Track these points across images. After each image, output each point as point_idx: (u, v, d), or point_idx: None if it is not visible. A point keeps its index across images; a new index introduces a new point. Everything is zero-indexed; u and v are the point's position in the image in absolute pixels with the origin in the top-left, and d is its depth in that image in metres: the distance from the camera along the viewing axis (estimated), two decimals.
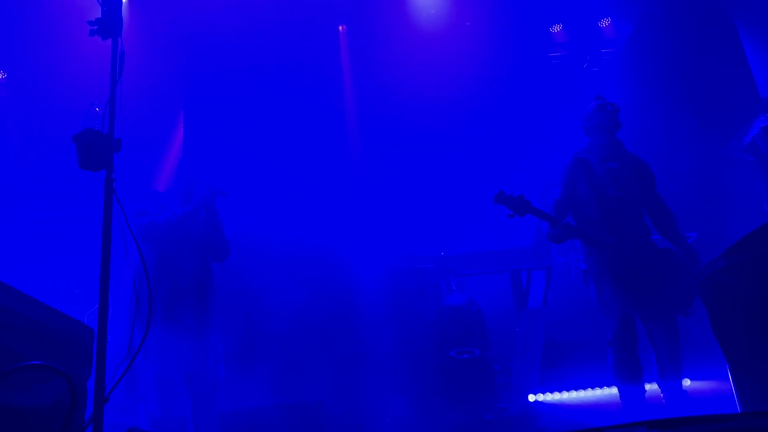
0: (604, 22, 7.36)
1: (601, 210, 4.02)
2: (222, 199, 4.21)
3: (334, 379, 5.53)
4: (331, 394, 5.31)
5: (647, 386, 3.99)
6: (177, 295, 3.93)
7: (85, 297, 5.82)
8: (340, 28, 7.44)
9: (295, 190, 6.76)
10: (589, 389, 5.12)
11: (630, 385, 3.85)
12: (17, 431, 1.86)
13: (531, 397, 5.07)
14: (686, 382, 5.06)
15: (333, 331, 5.91)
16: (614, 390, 5.08)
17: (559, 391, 5.12)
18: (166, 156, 6.76)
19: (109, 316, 2.43)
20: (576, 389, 5.13)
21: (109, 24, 2.71)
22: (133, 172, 4.65)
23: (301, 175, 6.84)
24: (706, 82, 6.55)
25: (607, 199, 4.00)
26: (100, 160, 2.57)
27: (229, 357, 4.39)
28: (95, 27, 2.72)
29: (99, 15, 2.72)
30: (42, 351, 2.10)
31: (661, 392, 3.98)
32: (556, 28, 7.39)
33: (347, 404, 5.30)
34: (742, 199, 5.76)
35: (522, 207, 3.87)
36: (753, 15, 7.03)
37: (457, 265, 5.63)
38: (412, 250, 6.37)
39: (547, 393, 5.10)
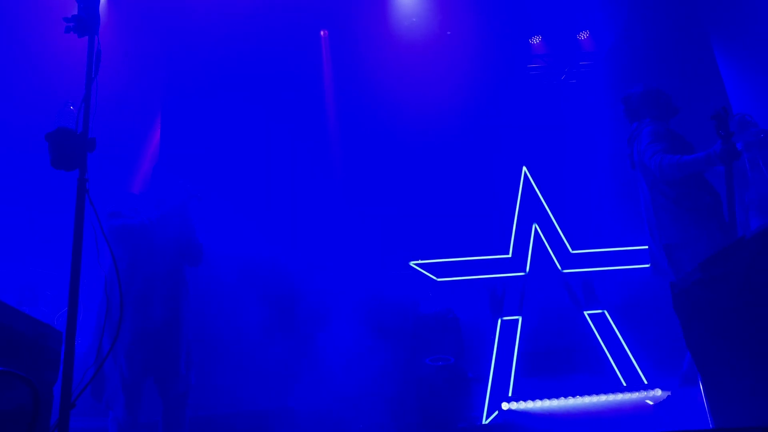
0: (583, 35, 7.45)
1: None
2: (197, 203, 4.16)
3: (307, 387, 5.49)
4: (303, 401, 5.27)
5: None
6: (149, 299, 3.86)
7: (55, 299, 5.71)
8: (322, 33, 7.44)
9: (273, 195, 6.72)
10: (562, 398, 5.15)
11: None
12: None
13: (505, 406, 5.08)
14: (657, 393, 5.13)
15: (307, 338, 5.88)
16: (587, 399, 5.14)
17: (533, 399, 5.13)
18: (142, 158, 6.67)
19: (79, 320, 2.38)
20: (550, 398, 5.15)
21: (85, 21, 2.67)
22: (108, 173, 4.57)
23: (279, 180, 6.80)
24: (681, 96, 6.65)
25: None
26: (73, 159, 2.53)
27: (201, 363, 4.33)
28: (71, 24, 2.67)
29: (75, 12, 2.67)
30: (7, 355, 2.04)
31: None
32: (536, 40, 7.46)
33: (320, 411, 5.26)
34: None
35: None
36: (727, 32, 7.18)
37: (434, 273, 5.64)
38: (388, 258, 6.36)
39: (521, 401, 5.11)
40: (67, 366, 2.26)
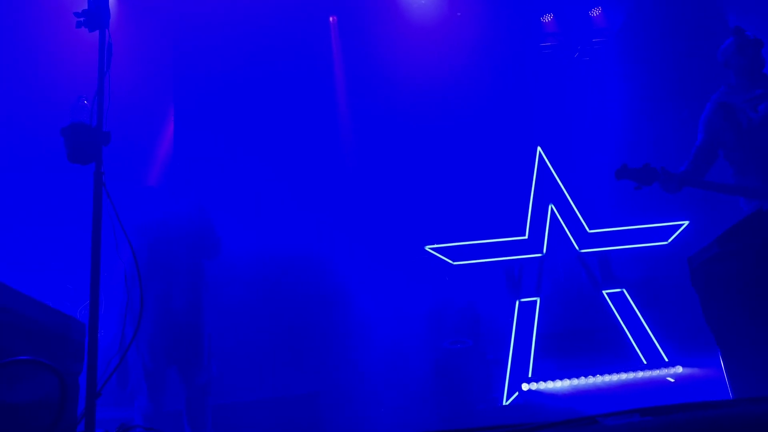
0: (595, 12, 7.35)
1: (747, 155, 3.79)
2: (214, 194, 4.21)
3: (328, 372, 5.54)
4: (324, 386, 5.31)
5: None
6: (169, 291, 3.92)
7: (76, 292, 5.79)
8: (331, 19, 7.40)
9: (287, 182, 6.74)
10: (583, 378, 5.15)
11: None
12: (7, 427, 1.85)
13: (524, 387, 5.10)
14: (678, 370, 5.11)
15: (326, 324, 5.92)
16: (607, 378, 5.14)
17: (552, 380, 5.14)
18: (157, 150, 6.72)
19: (101, 311, 2.42)
20: (570, 378, 5.15)
21: (96, 15, 2.68)
22: (124, 166, 4.61)
23: (292, 168, 6.81)
24: (697, 70, 6.56)
25: (756, 144, 3.76)
26: (88, 153, 2.55)
27: (223, 351, 4.38)
28: (82, 18, 2.68)
29: (86, 6, 2.69)
30: (32, 346, 2.08)
31: None
32: (547, 18, 7.37)
33: (341, 396, 5.31)
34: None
35: (649, 176, 3.78)
36: (743, 3, 7.04)
37: (450, 257, 5.64)
38: (405, 242, 6.37)
39: (540, 382, 5.13)
40: (92, 356, 2.30)
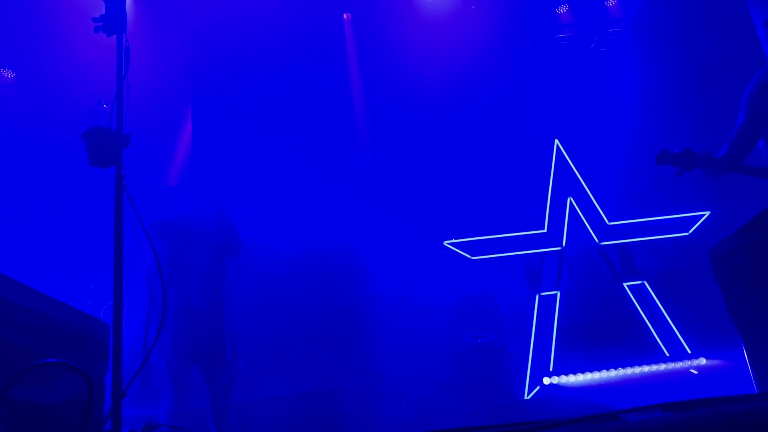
0: (611, 2, 7.27)
1: None
2: (233, 193, 4.24)
3: (349, 368, 5.56)
4: (345, 382, 5.34)
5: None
6: (191, 291, 3.96)
7: (99, 293, 5.87)
8: (345, 16, 7.41)
9: (305, 180, 6.76)
10: (604, 371, 5.12)
11: None
12: (38, 427, 1.89)
13: (546, 380, 5.08)
14: (701, 362, 5.06)
15: (347, 320, 5.94)
16: (629, 371, 5.10)
17: (574, 373, 5.12)
18: (176, 151, 6.78)
19: (124, 312, 2.45)
20: (592, 371, 5.13)
21: (113, 20, 2.72)
22: (144, 168, 4.67)
23: (308, 165, 6.84)
24: (715, 59, 6.48)
25: None
26: (109, 156, 2.58)
27: (246, 349, 4.42)
28: (100, 24, 2.72)
29: (103, 12, 2.73)
30: (59, 348, 2.12)
31: None
32: (562, 9, 7.31)
33: (362, 392, 5.33)
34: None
35: (690, 161, 3.62)
36: None
37: (469, 251, 5.64)
38: (423, 237, 6.37)
39: (562, 376, 5.11)
40: (117, 357, 2.34)
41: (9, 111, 6.88)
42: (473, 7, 7.24)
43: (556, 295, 5.48)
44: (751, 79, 3.89)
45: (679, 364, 5.11)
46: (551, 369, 5.19)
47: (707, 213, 5.59)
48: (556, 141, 5.94)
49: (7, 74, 6.81)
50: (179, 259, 3.98)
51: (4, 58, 6.75)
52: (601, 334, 5.53)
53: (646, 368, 5.12)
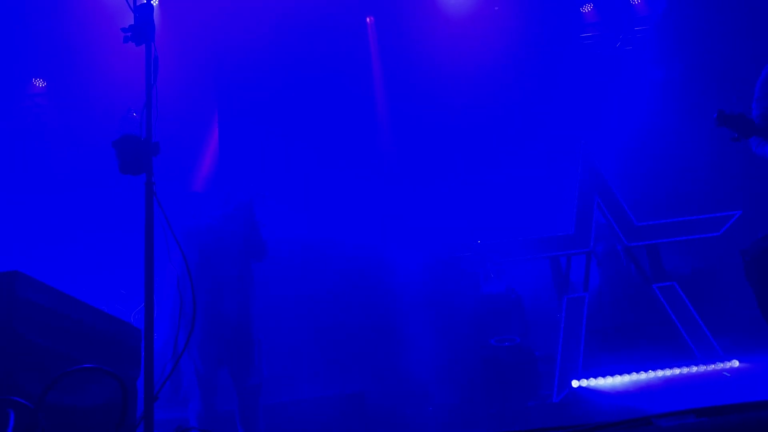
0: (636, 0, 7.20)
1: None
2: (261, 200, 4.28)
3: (376, 371, 5.57)
4: (372, 385, 5.35)
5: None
6: (219, 296, 4.01)
7: (130, 298, 5.96)
8: (368, 19, 7.43)
9: (329, 183, 6.80)
10: (634, 374, 5.06)
11: None
12: (76, 430, 1.93)
13: (575, 383, 5.03)
14: (734, 364, 4.98)
15: (373, 323, 5.95)
16: (660, 374, 5.03)
17: (603, 376, 5.07)
18: (203, 156, 6.87)
19: (155, 316, 2.49)
20: (621, 374, 5.07)
21: (142, 30, 2.76)
22: (172, 174, 4.73)
23: (334, 168, 6.87)
24: (744, 54, 6.36)
25: None
26: (139, 164, 2.63)
27: (273, 352, 4.46)
28: (129, 33, 2.77)
29: (132, 22, 2.77)
30: (93, 352, 2.17)
31: None
32: (587, 8, 7.25)
33: (389, 395, 5.34)
34: None
35: (747, 127, 3.39)
36: None
37: (496, 253, 5.61)
38: (449, 239, 6.36)
39: (591, 378, 5.06)
40: (148, 361, 2.38)
41: (41, 120, 7.03)
42: (496, 8, 7.22)
43: (584, 297, 5.42)
44: (766, 65, 3.75)
45: (711, 367, 5.02)
46: (580, 371, 5.14)
47: (738, 213, 5.49)
48: (583, 141, 5.89)
49: (39, 83, 6.96)
50: (208, 264, 4.03)
51: (36, 68, 6.90)
52: (631, 336, 5.46)
53: (677, 371, 5.04)
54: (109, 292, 6.07)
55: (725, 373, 4.97)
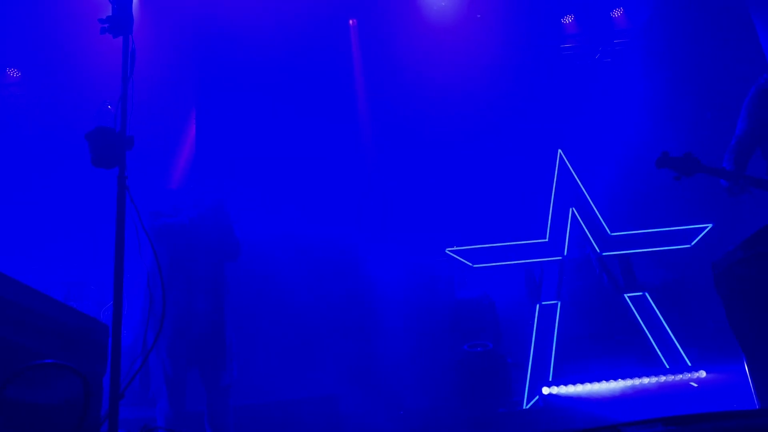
0: (617, 12, 7.28)
1: None
2: (233, 197, 4.23)
3: (348, 374, 5.54)
4: (344, 388, 5.32)
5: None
6: (191, 296, 3.94)
7: (99, 294, 5.86)
8: (351, 22, 7.42)
9: (307, 186, 6.76)
10: (603, 382, 5.10)
11: None
12: (33, 428, 1.88)
13: (545, 390, 5.06)
14: (701, 374, 5.04)
15: (346, 326, 5.93)
16: (629, 382, 5.08)
17: (573, 383, 5.10)
18: (179, 153, 6.79)
19: (124, 313, 2.45)
20: (591, 382, 5.11)
21: (119, 22, 2.72)
22: (146, 170, 4.67)
23: (312, 171, 6.84)
24: (721, 71, 6.47)
25: None
26: (112, 157, 2.58)
27: (243, 353, 4.41)
28: (106, 25, 2.72)
29: (110, 13, 2.73)
30: (57, 348, 2.12)
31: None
32: (568, 19, 7.32)
33: (361, 398, 5.31)
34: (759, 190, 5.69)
35: (690, 166, 3.58)
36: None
37: (470, 259, 5.63)
38: (424, 245, 6.36)
39: (561, 386, 5.09)
40: (115, 358, 2.33)
41: (14, 110, 6.90)
42: (479, 16, 7.25)
43: (556, 304, 5.46)
44: (753, 85, 3.83)
45: (679, 377, 5.09)
46: (551, 379, 5.17)
47: (709, 225, 5.58)
48: (560, 151, 5.95)
49: (13, 73, 6.83)
50: (180, 262, 3.97)
51: (10, 58, 6.77)
52: (602, 345, 5.51)
53: (645, 380, 5.09)
54: (80, 289, 5.97)
55: (693, 383, 5.03)
